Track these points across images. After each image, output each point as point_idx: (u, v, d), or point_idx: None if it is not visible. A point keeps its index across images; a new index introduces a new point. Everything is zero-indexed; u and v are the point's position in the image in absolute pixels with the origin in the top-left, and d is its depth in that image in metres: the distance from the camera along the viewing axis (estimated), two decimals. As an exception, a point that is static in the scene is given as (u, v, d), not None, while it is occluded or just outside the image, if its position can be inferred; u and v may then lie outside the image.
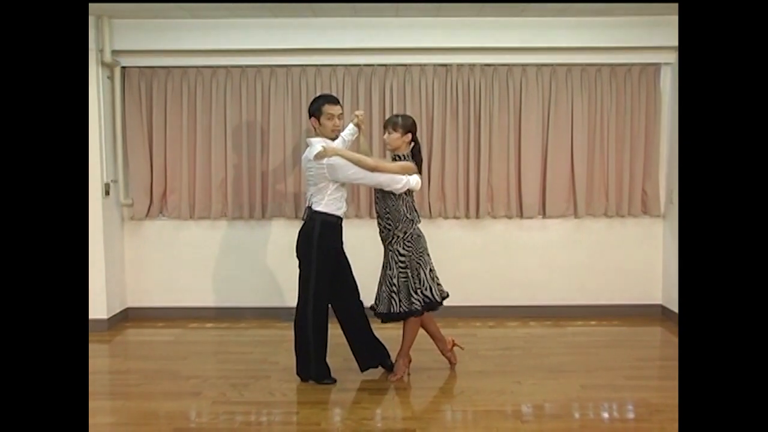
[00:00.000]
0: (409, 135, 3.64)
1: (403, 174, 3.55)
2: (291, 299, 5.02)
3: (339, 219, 3.64)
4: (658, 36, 4.72)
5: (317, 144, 3.56)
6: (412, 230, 3.61)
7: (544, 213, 5.08)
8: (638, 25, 4.73)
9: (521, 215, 5.06)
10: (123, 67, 4.92)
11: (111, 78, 4.85)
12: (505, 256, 5.14)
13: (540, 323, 4.97)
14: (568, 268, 5.14)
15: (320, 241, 3.56)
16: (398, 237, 3.59)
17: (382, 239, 3.70)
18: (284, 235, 5.11)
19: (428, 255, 3.68)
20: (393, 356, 3.80)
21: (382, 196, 3.63)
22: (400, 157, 3.66)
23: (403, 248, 3.59)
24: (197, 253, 5.14)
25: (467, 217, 5.06)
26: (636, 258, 5.14)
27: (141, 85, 4.96)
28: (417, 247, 3.62)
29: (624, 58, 4.94)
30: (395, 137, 3.61)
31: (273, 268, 5.15)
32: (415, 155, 3.68)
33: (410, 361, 3.81)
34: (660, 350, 4.53)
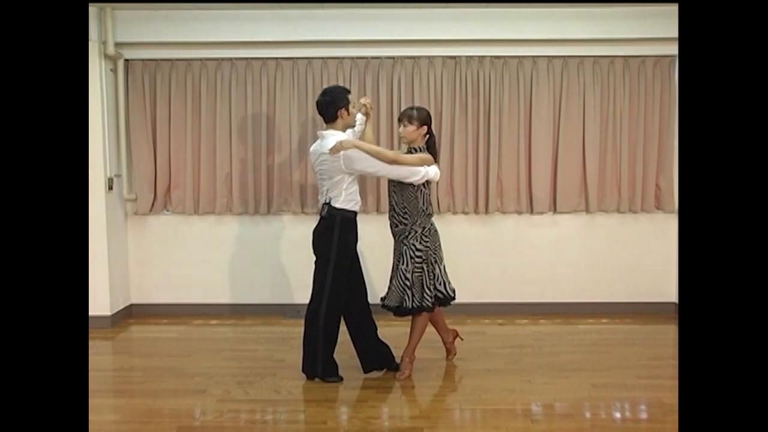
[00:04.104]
0: (425, 127, 3.60)
1: (422, 165, 3.51)
2: (297, 296, 5.04)
3: (356, 214, 3.58)
4: (672, 27, 4.60)
5: (330, 137, 3.48)
6: (429, 225, 3.58)
7: (554, 208, 5.00)
8: (652, 15, 4.63)
9: (531, 211, 4.99)
10: (126, 60, 4.87)
11: (114, 71, 4.80)
12: (515, 253, 5.06)
13: (550, 321, 4.90)
14: (580, 265, 5.06)
15: (340, 239, 3.50)
16: (416, 232, 3.55)
17: (394, 233, 3.64)
18: (290, 230, 5.07)
19: (442, 250, 3.65)
20: (398, 354, 3.74)
21: (399, 188, 3.57)
22: (415, 150, 3.61)
23: (421, 243, 3.55)
24: (202, 248, 5.09)
25: (476, 212, 4.99)
26: (649, 255, 5.06)
27: (144, 78, 4.91)
28: (434, 242, 3.58)
29: (637, 50, 4.85)
30: (411, 130, 3.57)
31: (279, 264, 5.09)
32: (431, 147, 3.64)
33: (414, 359, 3.75)
34: (673, 349, 4.43)
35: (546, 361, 3.94)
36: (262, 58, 4.88)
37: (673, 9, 4.55)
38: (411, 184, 3.51)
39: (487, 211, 4.97)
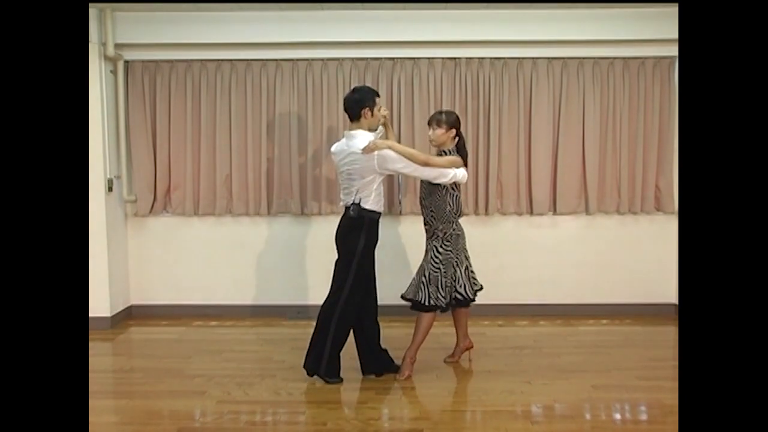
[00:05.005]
0: (454, 130, 3.66)
1: (451, 168, 3.57)
2: (298, 297, 5.04)
3: (380, 215, 3.60)
4: (671, 28, 4.61)
5: (360, 137, 3.49)
6: (451, 230, 3.64)
7: (554, 210, 5.00)
8: (652, 16, 4.64)
9: (531, 212, 4.99)
10: (126, 61, 4.87)
11: (114, 72, 4.80)
12: (514, 254, 5.06)
13: (550, 322, 4.89)
14: (580, 266, 5.06)
15: (367, 240, 3.51)
16: (437, 236, 3.65)
17: (425, 231, 3.74)
18: (290, 231, 5.07)
19: (466, 252, 3.73)
20: (400, 355, 3.73)
21: (429, 191, 3.65)
22: (446, 152, 3.67)
23: (442, 246, 3.63)
24: (201, 250, 5.09)
25: (476, 213, 4.98)
26: (649, 256, 5.05)
27: (144, 79, 4.91)
28: (455, 246, 3.66)
29: (637, 51, 4.85)
30: (440, 133, 3.64)
31: (279, 265, 5.08)
32: (460, 149, 3.70)
33: (415, 361, 3.75)
34: (674, 350, 4.43)
35: (546, 363, 3.94)
36: (262, 60, 4.88)
37: (673, 10, 4.56)
38: (441, 187, 3.58)
39: (486, 213, 4.97)
